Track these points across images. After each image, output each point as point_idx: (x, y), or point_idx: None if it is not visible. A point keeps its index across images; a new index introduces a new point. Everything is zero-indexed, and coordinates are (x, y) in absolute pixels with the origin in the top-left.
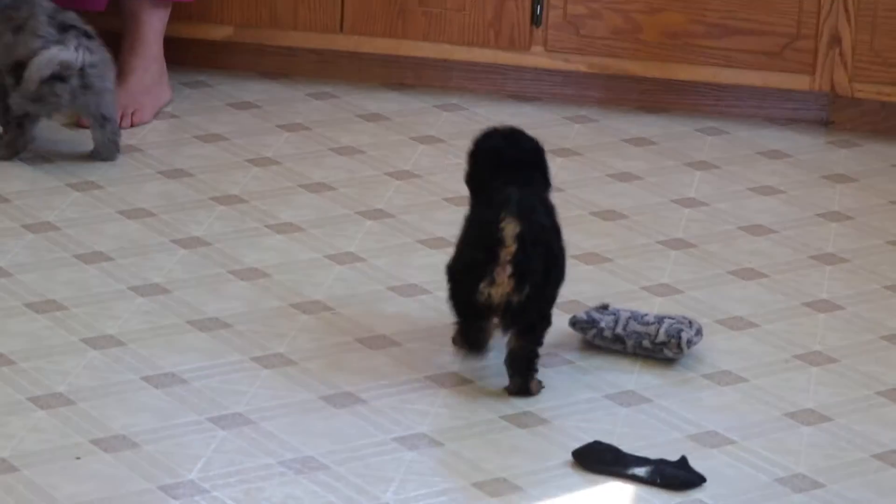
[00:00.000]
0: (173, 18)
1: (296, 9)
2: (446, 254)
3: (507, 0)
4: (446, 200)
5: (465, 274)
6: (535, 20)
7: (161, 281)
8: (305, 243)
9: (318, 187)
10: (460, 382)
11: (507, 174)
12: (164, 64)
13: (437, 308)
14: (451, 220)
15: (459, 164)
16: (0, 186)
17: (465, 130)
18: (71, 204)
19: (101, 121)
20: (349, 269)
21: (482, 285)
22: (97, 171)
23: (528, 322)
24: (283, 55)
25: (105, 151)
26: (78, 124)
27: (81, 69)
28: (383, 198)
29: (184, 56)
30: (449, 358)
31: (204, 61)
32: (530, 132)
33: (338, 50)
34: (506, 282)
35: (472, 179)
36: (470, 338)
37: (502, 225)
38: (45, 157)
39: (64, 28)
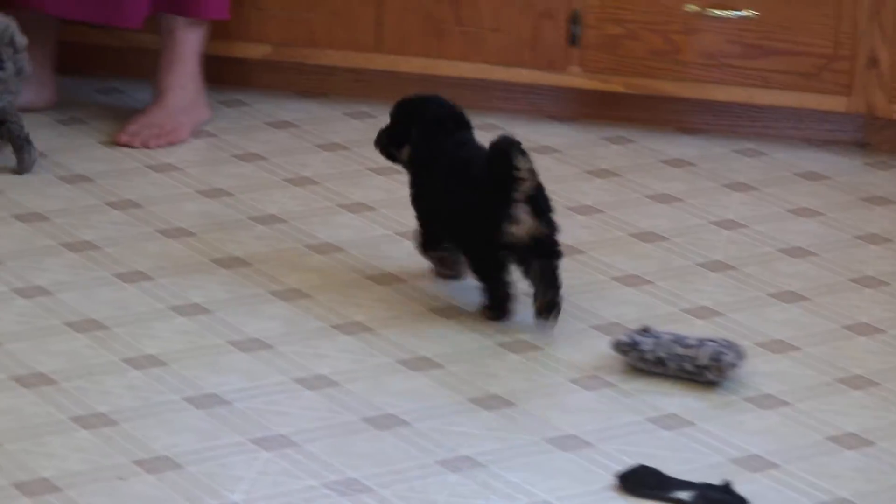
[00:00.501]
0: (210, 37)
1: (333, 28)
2: None
3: (544, 20)
4: None
5: (486, 221)
6: (573, 40)
7: (201, 301)
8: (345, 263)
9: (357, 207)
10: (503, 405)
11: (457, 135)
12: (202, 82)
13: (478, 329)
14: None
15: None
16: (39, 205)
17: None
18: (110, 222)
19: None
20: (390, 289)
21: (504, 226)
22: (136, 190)
23: (556, 250)
24: (320, 74)
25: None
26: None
27: (14, 48)
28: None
29: (221, 75)
30: (491, 380)
31: (241, 80)
32: (568, 153)
33: (375, 69)
34: (528, 218)
35: (423, 150)
36: (499, 299)
37: (518, 164)
38: (84, 175)
39: None
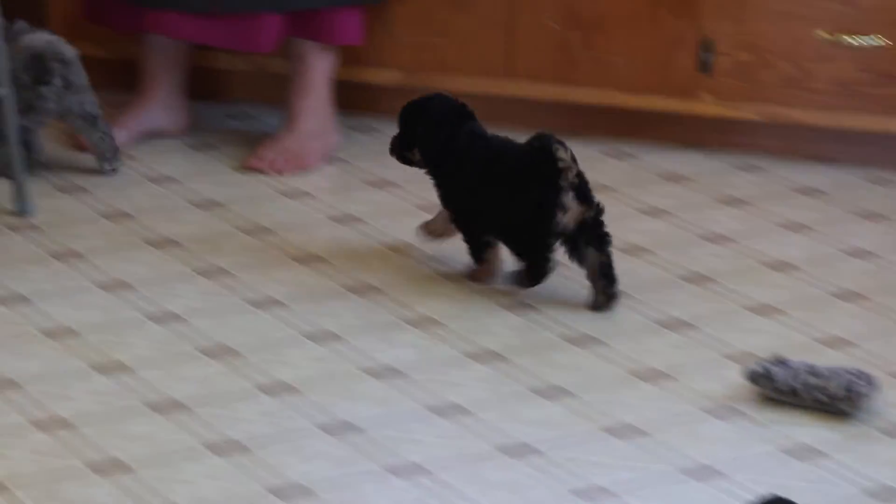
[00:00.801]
0: (342, 62)
1: (464, 53)
2: (621, 304)
3: (675, 47)
4: (618, 249)
5: (538, 212)
6: (704, 67)
7: (334, 327)
8: (479, 291)
9: None
10: (636, 434)
11: (464, 127)
12: (333, 108)
13: (611, 359)
14: (623, 268)
15: (629, 213)
16: (172, 230)
17: (634, 178)
18: (242, 248)
19: (91, 119)
20: (523, 318)
21: (559, 216)
22: (269, 217)
23: (603, 231)
24: None
25: (107, 150)
26: (78, 147)
27: (63, 62)
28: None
29: (352, 100)
30: (624, 409)
31: (372, 105)
32: (699, 181)
33: (506, 95)
34: (575, 205)
35: (432, 146)
36: (541, 274)
37: (560, 155)
38: (216, 201)
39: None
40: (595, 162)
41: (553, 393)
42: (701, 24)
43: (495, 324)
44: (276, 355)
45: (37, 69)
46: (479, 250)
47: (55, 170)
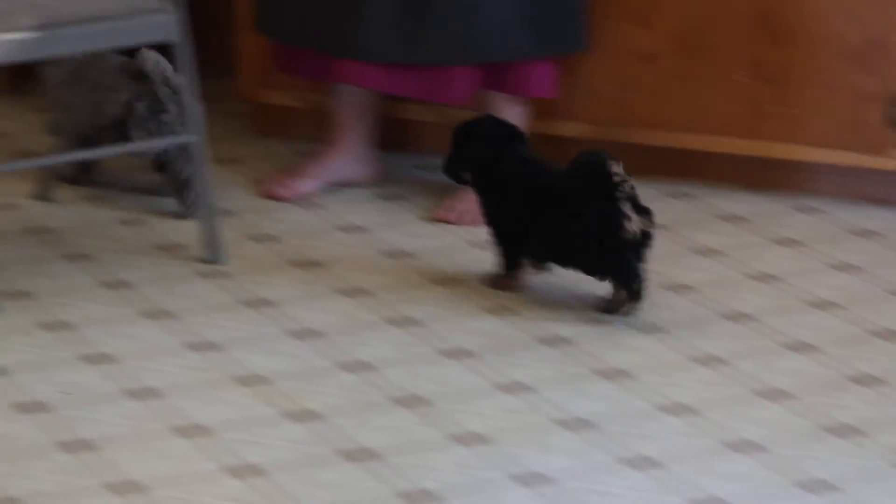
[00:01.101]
0: (532, 114)
1: (653, 107)
2: (812, 359)
3: (864, 102)
4: (808, 303)
5: (609, 226)
6: (893, 123)
7: (524, 378)
8: (668, 344)
9: (681, 288)
10: (828, 489)
11: (514, 150)
12: None
13: (802, 413)
14: (813, 323)
15: (819, 267)
16: (361, 279)
17: (824, 233)
18: (433, 299)
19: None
20: (712, 371)
21: (627, 225)
22: (459, 267)
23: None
24: (639, 153)
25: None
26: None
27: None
28: (745, 300)
29: (542, 152)
30: (816, 464)
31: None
32: (890, 237)
33: (694, 149)
34: (634, 214)
35: (482, 167)
36: (640, 285)
37: (615, 170)
38: (406, 251)
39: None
40: (783, 216)
41: (745, 446)
42: (890, 80)
43: (687, 377)
44: (467, 405)
45: (151, 98)
46: (512, 266)
47: (244, 217)
